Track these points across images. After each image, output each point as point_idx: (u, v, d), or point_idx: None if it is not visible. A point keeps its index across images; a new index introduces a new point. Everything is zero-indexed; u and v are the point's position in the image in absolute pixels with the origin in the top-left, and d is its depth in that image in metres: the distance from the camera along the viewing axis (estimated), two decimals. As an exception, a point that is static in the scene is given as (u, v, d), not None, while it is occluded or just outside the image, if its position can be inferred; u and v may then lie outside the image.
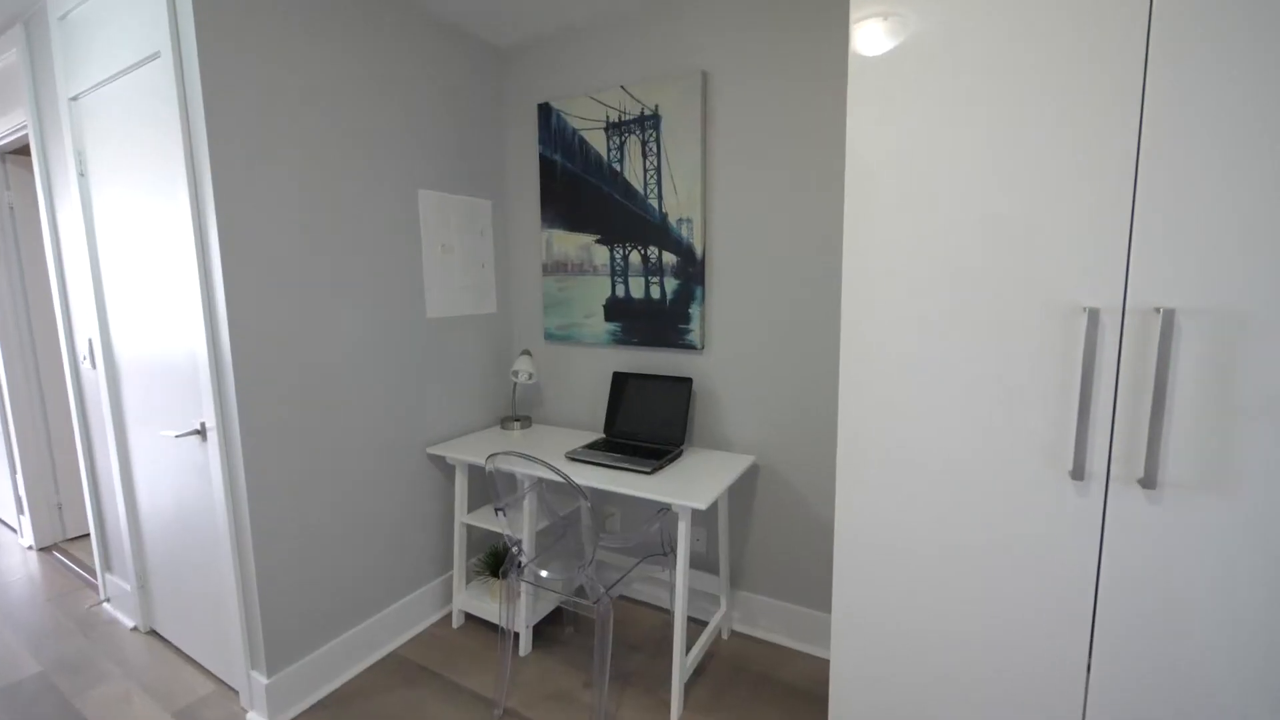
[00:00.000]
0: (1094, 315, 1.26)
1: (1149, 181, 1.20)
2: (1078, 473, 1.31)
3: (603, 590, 2.08)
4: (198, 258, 1.99)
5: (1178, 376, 1.21)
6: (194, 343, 2.12)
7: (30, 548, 3.68)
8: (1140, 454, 1.26)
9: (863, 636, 1.66)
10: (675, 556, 2.18)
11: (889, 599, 1.60)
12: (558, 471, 2.02)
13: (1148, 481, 1.25)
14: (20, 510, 3.71)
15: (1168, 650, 1.29)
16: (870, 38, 1.45)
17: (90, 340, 2.65)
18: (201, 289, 2.01)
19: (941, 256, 1.41)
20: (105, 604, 3.01)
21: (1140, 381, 1.25)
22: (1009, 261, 1.34)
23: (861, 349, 1.55)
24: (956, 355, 1.43)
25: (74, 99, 2.42)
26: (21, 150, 3.45)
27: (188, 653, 2.59)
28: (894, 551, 1.58)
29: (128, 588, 2.81)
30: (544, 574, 2.22)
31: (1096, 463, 1.31)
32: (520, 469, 2.34)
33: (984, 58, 1.32)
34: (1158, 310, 1.21)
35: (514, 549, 2.25)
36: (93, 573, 3.32)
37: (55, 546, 3.69)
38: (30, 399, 3.62)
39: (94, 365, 2.66)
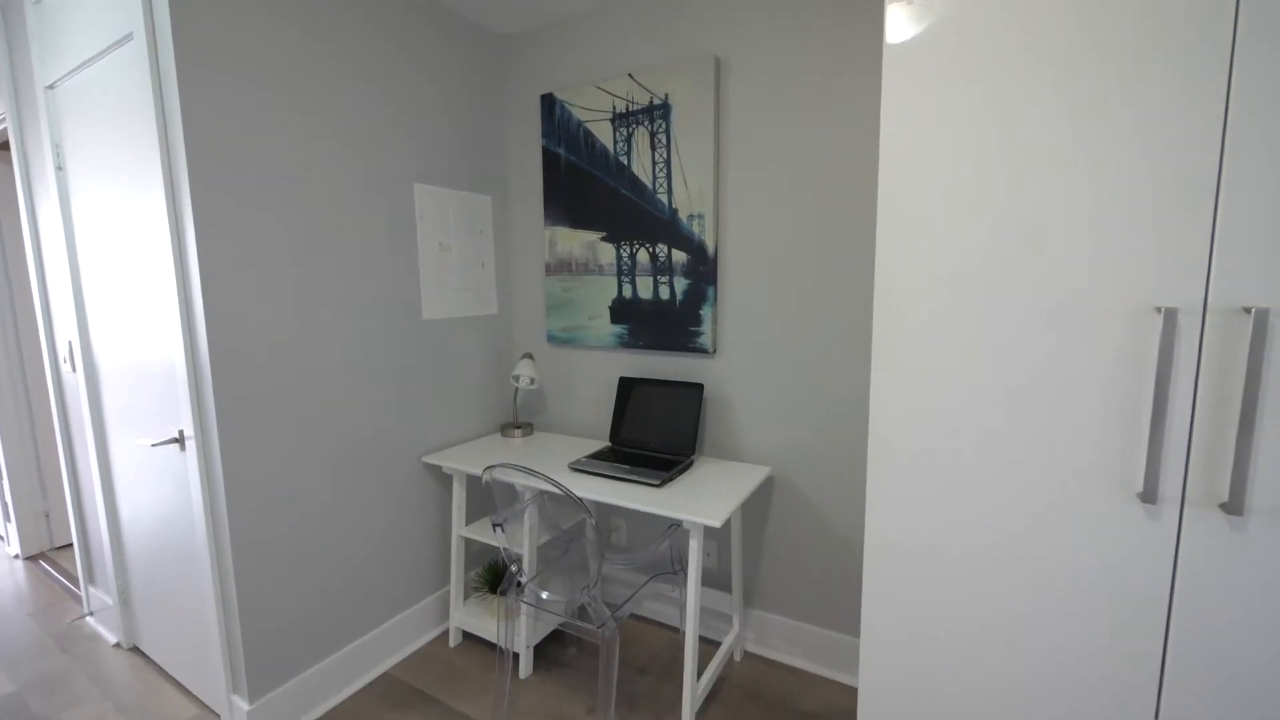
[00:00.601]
0: (1170, 316, 1.10)
1: (1236, 160, 1.04)
2: (1149, 495, 1.15)
3: (608, 614, 1.93)
4: (174, 255, 1.86)
5: (1270, 386, 1.05)
6: (171, 345, 1.98)
7: (16, 556, 3.56)
8: (1224, 475, 1.10)
9: (897, 662, 1.49)
10: (685, 575, 2.02)
11: (926, 622, 1.44)
12: (560, 486, 1.87)
13: (1232, 507, 1.08)
14: (6, 517, 3.59)
15: (1251, 704, 1.13)
16: (909, 15, 1.29)
17: (70, 342, 2.52)
18: (178, 288, 1.87)
19: (992, 252, 1.26)
20: (88, 618, 2.88)
21: (1224, 391, 1.09)
22: (1069, 256, 1.18)
23: (895, 352, 1.39)
24: (1009, 361, 1.27)
25: (50, 87, 2.29)
26: (3, 144, 3.32)
27: (170, 672, 2.44)
28: (932, 571, 1.42)
29: (110, 602, 2.68)
30: (545, 595, 2.07)
31: (1170, 484, 1.15)
32: (520, 480, 2.19)
33: (1042, 33, 1.17)
34: (1247, 310, 1.05)
35: (513, 568, 2.10)
36: (79, 584, 3.19)
37: (42, 555, 3.57)
38: (16, 402, 3.49)
39: (74, 368, 2.53)
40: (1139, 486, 1.17)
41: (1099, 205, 1.15)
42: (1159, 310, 1.11)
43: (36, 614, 2.95)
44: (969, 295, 1.29)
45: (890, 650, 1.50)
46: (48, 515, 3.60)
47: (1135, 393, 1.16)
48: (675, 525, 2.10)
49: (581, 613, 2.02)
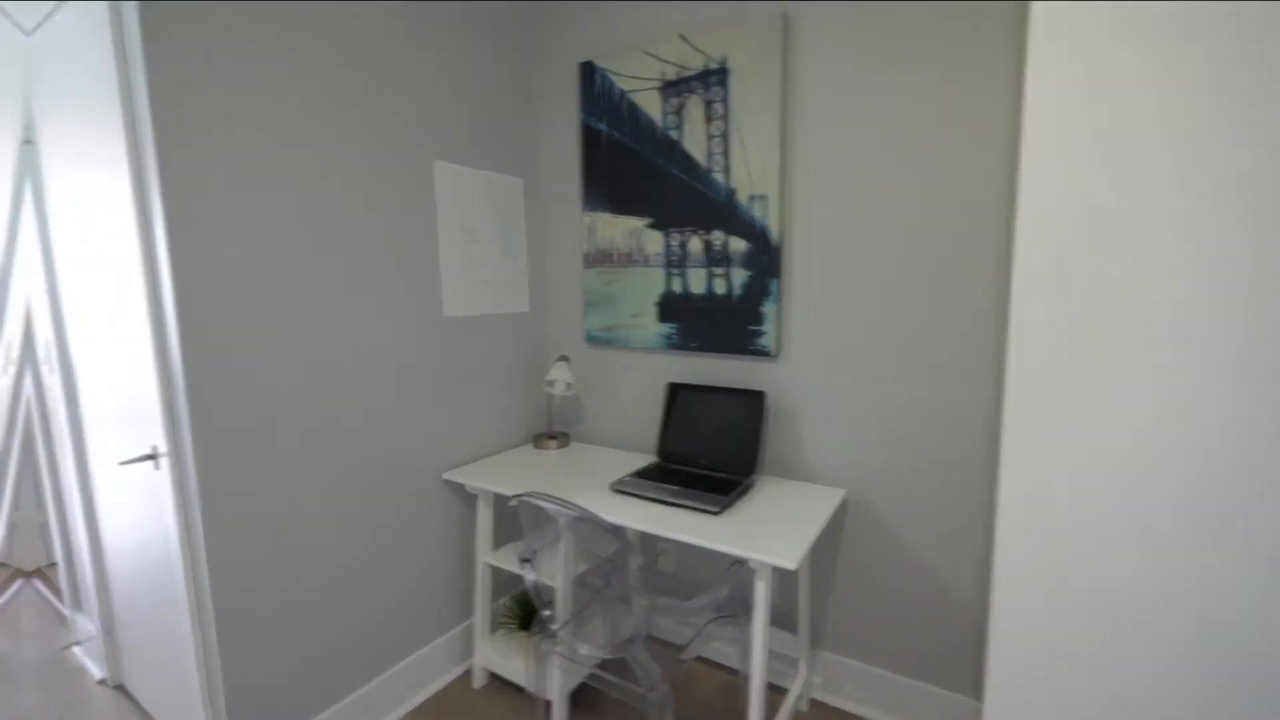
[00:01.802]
0: None
1: None
2: None
3: (658, 673, 1.58)
4: (140, 239, 1.55)
5: None
6: (140, 347, 1.67)
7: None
8: None
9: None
10: (747, 619, 1.67)
11: (1081, 689, 1.09)
12: (598, 520, 1.53)
13: None
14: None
15: None
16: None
17: (47, 342, 2.24)
18: (145, 279, 1.57)
19: (1193, 230, 0.90)
20: (74, 648, 2.60)
21: None
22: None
23: (1046, 359, 1.04)
24: (1210, 368, 0.91)
25: (22, 49, 2.02)
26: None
27: (155, 717, 2.15)
28: (1095, 628, 1.06)
29: (95, 631, 2.39)
30: (584, 650, 1.73)
31: None
32: (552, 508, 1.86)
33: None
34: None
35: (545, 612, 1.76)
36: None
37: (37, 573, 3.31)
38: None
39: (52, 370, 2.25)
40: None
41: None
42: None
43: (22, 640, 2.68)
44: (1169, 295, 0.93)
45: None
46: (44, 528, 3.34)
47: None
48: (738, 564, 1.76)
49: (624, 668, 1.68)
